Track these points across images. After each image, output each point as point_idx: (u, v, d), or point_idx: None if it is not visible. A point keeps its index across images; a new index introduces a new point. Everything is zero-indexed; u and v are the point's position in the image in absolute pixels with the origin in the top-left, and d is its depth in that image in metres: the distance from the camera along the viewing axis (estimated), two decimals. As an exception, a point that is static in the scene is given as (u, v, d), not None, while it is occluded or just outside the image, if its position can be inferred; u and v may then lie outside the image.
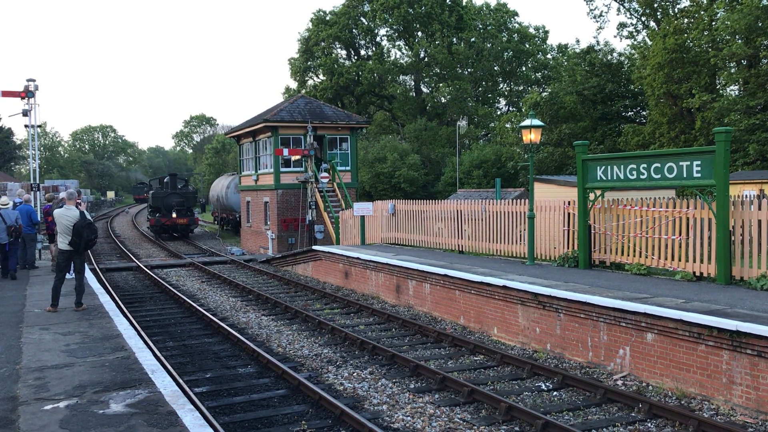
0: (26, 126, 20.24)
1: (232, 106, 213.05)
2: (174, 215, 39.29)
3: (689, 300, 10.08)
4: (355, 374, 10.55)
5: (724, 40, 32.40)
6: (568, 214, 14.99)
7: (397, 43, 65.11)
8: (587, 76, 43.79)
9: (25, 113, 19.98)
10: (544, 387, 9.78)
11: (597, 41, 55.95)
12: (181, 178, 45.40)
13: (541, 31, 66.79)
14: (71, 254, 11.65)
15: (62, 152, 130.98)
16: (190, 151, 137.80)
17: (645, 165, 12.75)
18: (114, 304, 12.75)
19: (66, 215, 11.36)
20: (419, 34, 62.61)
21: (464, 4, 62.47)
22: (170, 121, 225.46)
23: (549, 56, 66.14)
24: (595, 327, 10.62)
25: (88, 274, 15.89)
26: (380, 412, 8.82)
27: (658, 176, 12.51)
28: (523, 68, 65.31)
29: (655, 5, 40.68)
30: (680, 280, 12.15)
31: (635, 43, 43.37)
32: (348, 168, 32.19)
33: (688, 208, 12.37)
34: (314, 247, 22.06)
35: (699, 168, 11.77)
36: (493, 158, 46.33)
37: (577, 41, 79.53)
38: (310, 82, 65.72)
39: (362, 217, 22.15)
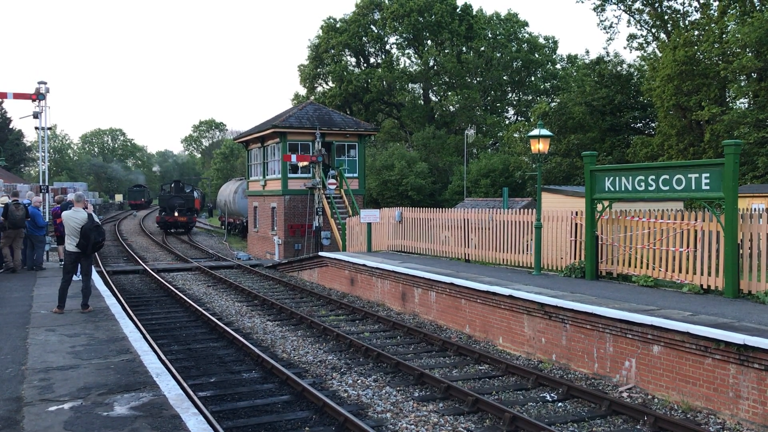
0: (36, 128, 20.34)
1: (242, 111, 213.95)
2: (176, 214, 47.41)
3: (696, 313, 10.02)
4: (359, 381, 10.53)
5: (735, 53, 32.30)
6: (576, 224, 14.95)
7: (407, 51, 65.29)
8: (596, 86, 43.75)
9: (36, 115, 20.07)
10: (549, 398, 9.74)
11: (607, 52, 56.11)
12: (187, 184, 55.31)
13: (550, 41, 66.83)
14: (78, 256, 11.70)
15: (71, 155, 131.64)
16: (199, 155, 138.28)
17: (653, 176, 12.71)
18: (120, 307, 12.78)
19: (74, 217, 11.41)
20: (429, 42, 62.76)
21: (474, 13, 62.61)
22: (179, 125, 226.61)
23: (558, 66, 66.16)
24: (601, 338, 10.57)
25: (95, 277, 15.94)
26: (384, 419, 8.80)
27: (667, 188, 12.47)
28: (533, 78, 65.32)
29: (666, 17, 40.67)
30: (687, 293, 12.09)
31: (645, 54, 43.32)
32: (355, 175, 32.22)
33: (696, 220, 12.31)
34: (320, 254, 22.07)
35: (708, 180, 11.73)
36: (500, 167, 46.31)
37: (587, 52, 79.58)
38: (319, 88, 65.95)
39: (369, 224, 22.14)
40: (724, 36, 33.36)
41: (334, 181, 29.37)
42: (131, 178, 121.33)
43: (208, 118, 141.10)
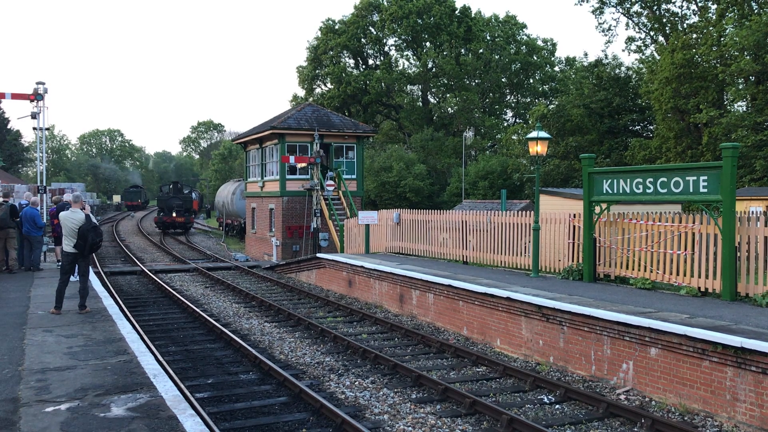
0: (34, 129, 20.32)
1: (240, 112, 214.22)
2: (174, 215, 48.30)
3: (694, 315, 10.03)
4: (356, 383, 10.52)
5: (733, 56, 32.39)
6: (574, 226, 14.95)
7: (405, 53, 65.32)
8: (595, 89, 43.81)
9: (34, 116, 20.05)
10: (546, 400, 9.73)
11: (605, 55, 55.65)
12: (186, 185, 56.42)
13: (549, 43, 66.90)
14: (76, 257, 11.68)
15: (69, 155, 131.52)
16: (197, 156, 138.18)
17: (651, 179, 12.72)
18: (117, 308, 12.75)
19: (71, 218, 11.39)
20: (427, 44, 62.78)
21: (473, 15, 62.66)
22: (178, 126, 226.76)
23: (557, 69, 66.21)
24: (598, 340, 10.58)
25: (93, 278, 15.91)
26: (381, 421, 8.79)
27: (665, 191, 12.48)
28: (531, 80, 65.39)
29: (664, 20, 40.76)
30: (685, 296, 12.10)
31: (643, 57, 43.45)
32: (354, 176, 32.22)
33: (693, 223, 12.33)
34: (318, 255, 22.05)
35: (705, 183, 11.74)
36: (499, 169, 46.34)
37: (585, 54, 79.17)
38: (318, 90, 65.95)
39: (367, 226, 22.14)
40: (722, 39, 33.44)
41: (332, 182, 29.35)
42: (128, 179, 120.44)
43: (207, 119, 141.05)
